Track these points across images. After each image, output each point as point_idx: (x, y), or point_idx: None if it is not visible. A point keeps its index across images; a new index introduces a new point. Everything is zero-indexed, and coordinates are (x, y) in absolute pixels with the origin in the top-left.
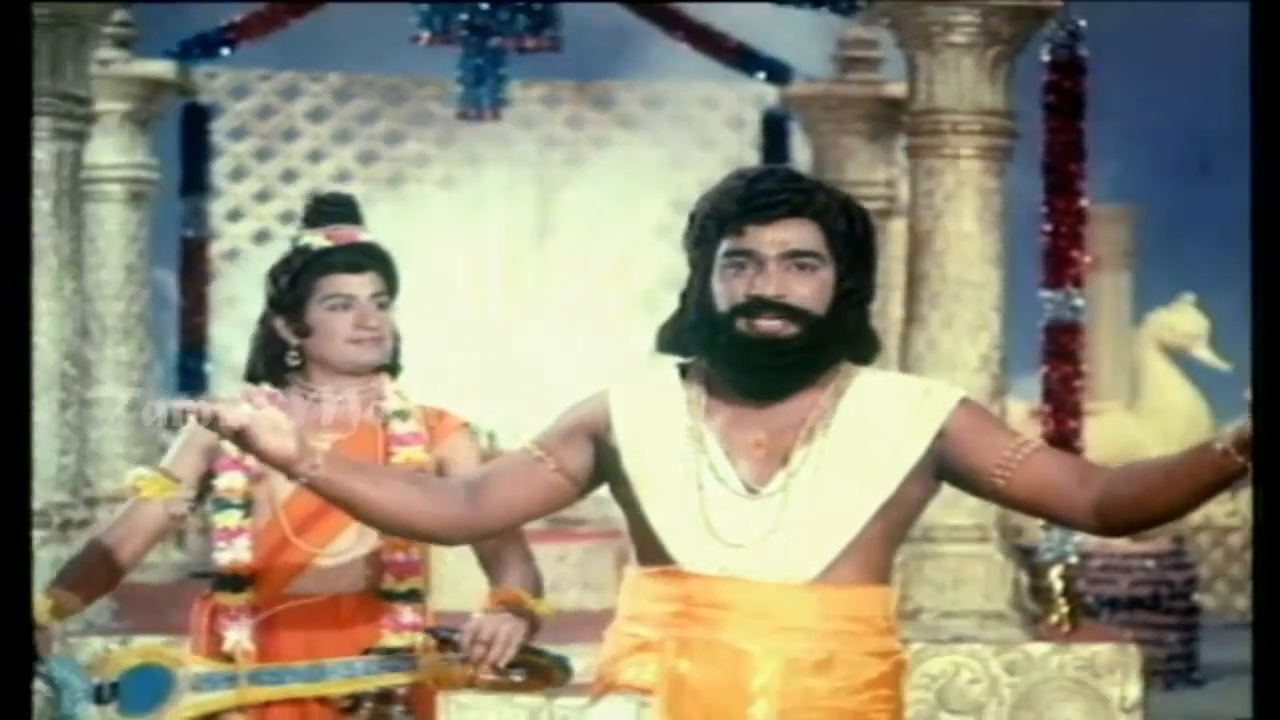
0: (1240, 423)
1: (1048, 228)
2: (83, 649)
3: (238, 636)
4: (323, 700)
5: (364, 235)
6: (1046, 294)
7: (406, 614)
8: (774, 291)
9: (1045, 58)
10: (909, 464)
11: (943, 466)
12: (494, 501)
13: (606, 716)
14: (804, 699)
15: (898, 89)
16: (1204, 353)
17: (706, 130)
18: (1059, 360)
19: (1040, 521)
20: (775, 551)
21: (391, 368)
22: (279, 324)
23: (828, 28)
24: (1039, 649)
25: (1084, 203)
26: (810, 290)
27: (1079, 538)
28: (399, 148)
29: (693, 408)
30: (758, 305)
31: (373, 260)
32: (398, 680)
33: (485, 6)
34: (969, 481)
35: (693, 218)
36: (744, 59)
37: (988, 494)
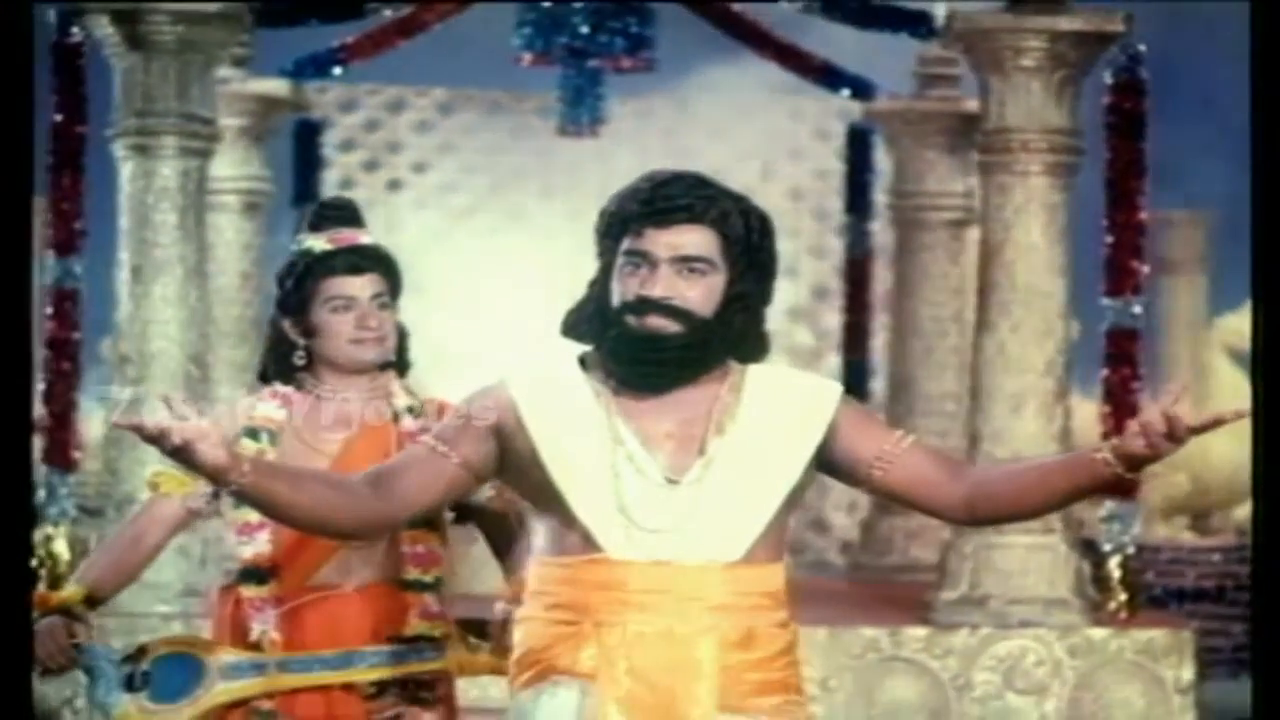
0: (1123, 436)
1: (1109, 240)
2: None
3: (264, 627)
4: (348, 687)
5: (365, 238)
6: (1107, 301)
7: (432, 603)
8: (661, 293)
9: (1108, 81)
10: (808, 452)
11: (823, 456)
12: (400, 495)
13: (548, 705)
14: (735, 672)
15: (976, 105)
16: None
17: (795, 141)
18: (1119, 363)
19: (1101, 514)
20: (698, 536)
21: (399, 365)
22: (286, 325)
23: (909, 46)
24: (1099, 633)
25: (1143, 216)
26: (698, 294)
27: (1137, 530)
28: (500, 159)
29: (601, 400)
30: (646, 305)
31: (373, 262)
32: (424, 668)
33: (585, 30)
34: (846, 471)
35: (602, 214)
36: (830, 76)
37: (863, 483)
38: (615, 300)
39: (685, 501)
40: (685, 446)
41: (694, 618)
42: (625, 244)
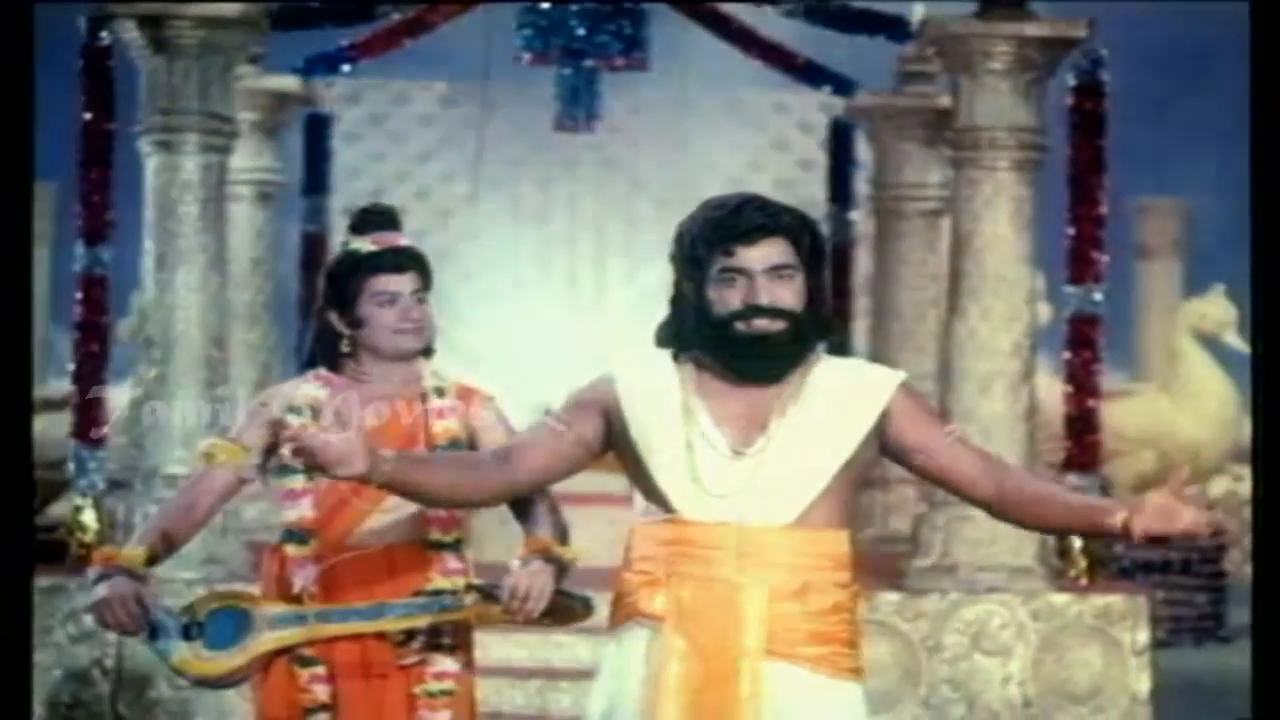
0: (1133, 513)
1: (1071, 231)
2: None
3: (304, 582)
4: (380, 635)
5: (403, 240)
6: (1070, 289)
7: (451, 561)
8: (766, 300)
9: (1071, 83)
10: (862, 432)
11: (879, 439)
12: (526, 468)
13: (626, 641)
14: (785, 622)
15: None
16: (1233, 339)
17: (780, 134)
18: (1080, 347)
19: None
20: (758, 501)
21: (426, 351)
22: (333, 317)
23: (889, 46)
24: (1061, 599)
25: (1103, 209)
26: (791, 294)
27: None
28: (500, 150)
29: (685, 387)
30: (755, 311)
31: (412, 261)
32: (446, 618)
33: (581, 32)
34: (895, 454)
35: (681, 240)
36: (812, 73)
37: (908, 467)
38: (720, 310)
39: (748, 471)
40: (752, 424)
41: (748, 571)
42: (719, 263)
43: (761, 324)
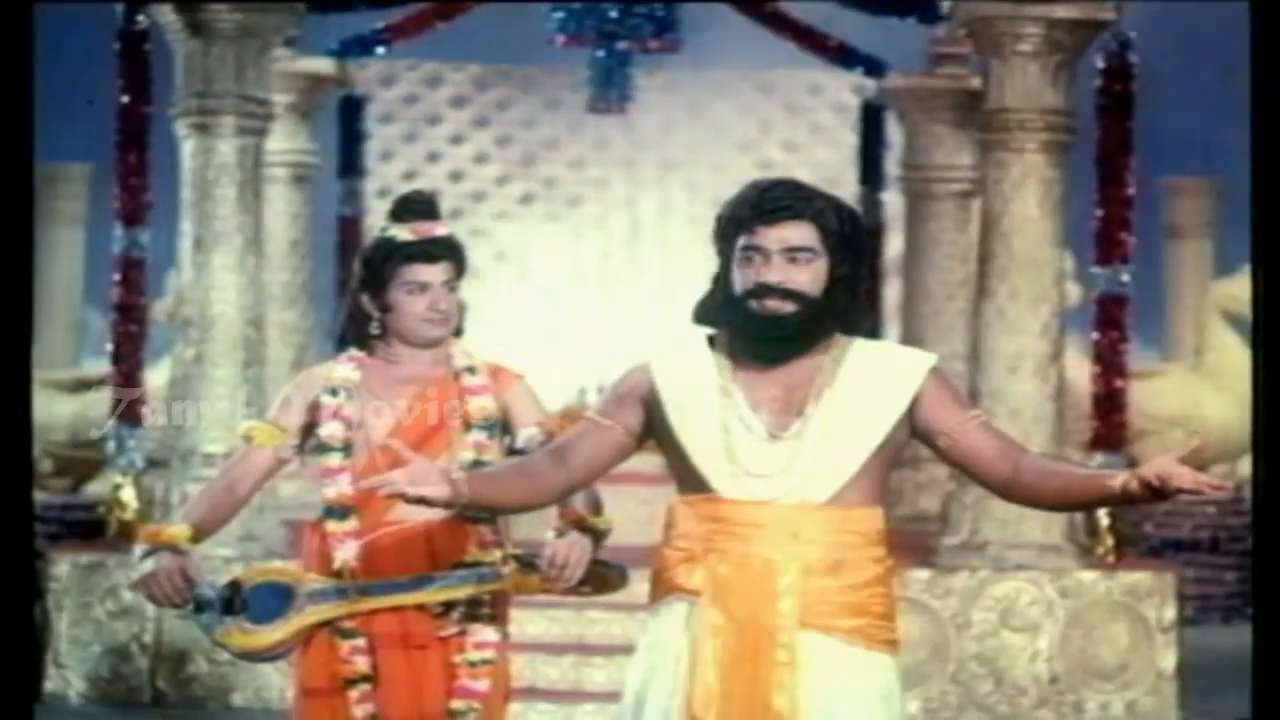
0: (1131, 476)
1: (1099, 213)
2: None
3: (345, 556)
4: (419, 607)
5: (441, 230)
6: (1098, 270)
7: (488, 535)
8: (776, 279)
9: (1100, 65)
10: (895, 415)
11: (910, 421)
12: (579, 464)
13: (664, 616)
14: (819, 595)
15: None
16: None
17: (812, 115)
18: (1108, 327)
19: (1091, 468)
20: (794, 482)
21: (456, 331)
22: (364, 299)
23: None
24: (1088, 576)
25: (1130, 190)
26: (806, 277)
27: None
28: (532, 132)
29: (721, 371)
30: (765, 290)
31: (446, 251)
32: (486, 589)
33: (614, 15)
34: (923, 437)
35: (719, 218)
36: (845, 56)
37: (933, 448)
38: (737, 289)
39: (784, 453)
40: (788, 408)
41: (785, 548)
42: (741, 241)
43: (772, 304)
